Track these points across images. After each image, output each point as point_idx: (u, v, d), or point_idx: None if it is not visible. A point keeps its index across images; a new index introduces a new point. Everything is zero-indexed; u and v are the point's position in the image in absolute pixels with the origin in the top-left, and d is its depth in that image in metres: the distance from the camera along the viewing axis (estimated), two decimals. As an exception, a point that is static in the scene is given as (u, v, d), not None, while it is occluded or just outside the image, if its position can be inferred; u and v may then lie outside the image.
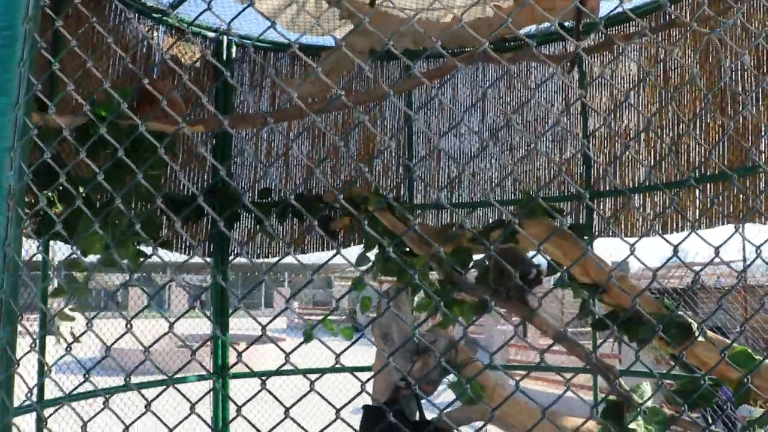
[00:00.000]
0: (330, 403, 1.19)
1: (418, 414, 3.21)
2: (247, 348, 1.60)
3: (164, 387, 1.24)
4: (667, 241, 1.77)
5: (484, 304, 4.24)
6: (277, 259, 6.06)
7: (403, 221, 4.70)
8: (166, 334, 1.52)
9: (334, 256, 1.44)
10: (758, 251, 1.70)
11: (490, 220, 5.73)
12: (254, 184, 5.71)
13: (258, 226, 5.63)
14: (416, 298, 3.93)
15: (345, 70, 5.65)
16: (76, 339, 1.85)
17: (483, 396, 2.93)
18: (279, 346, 1.32)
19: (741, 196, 4.96)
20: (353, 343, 1.40)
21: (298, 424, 1.20)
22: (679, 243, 1.74)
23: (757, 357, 3.82)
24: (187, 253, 5.52)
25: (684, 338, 3.86)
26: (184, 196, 5.36)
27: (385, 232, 4.74)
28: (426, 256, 4.16)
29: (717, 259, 1.63)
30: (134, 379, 1.57)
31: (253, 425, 1.22)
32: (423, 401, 3.15)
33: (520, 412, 3.12)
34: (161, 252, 5.37)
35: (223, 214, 4.98)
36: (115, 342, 1.55)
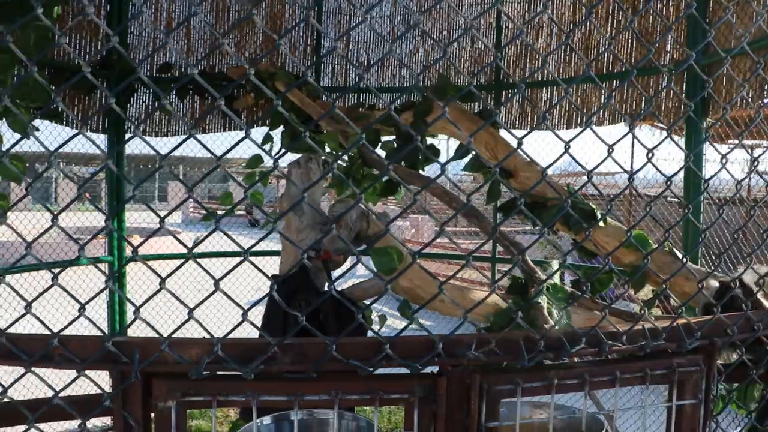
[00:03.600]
0: (237, 304, 1.09)
1: (327, 285, 3.17)
2: (145, 240, 1.40)
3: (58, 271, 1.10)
4: (560, 137, 1.65)
5: (394, 183, 4.18)
6: (177, 143, 5.79)
7: (313, 99, 4.53)
8: (51, 227, 1.33)
9: (242, 140, 1.31)
10: (649, 155, 1.67)
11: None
12: (152, 57, 5.35)
13: (156, 103, 5.31)
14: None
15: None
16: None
17: (397, 266, 2.90)
18: (178, 239, 1.20)
19: (643, 96, 5.04)
20: (263, 239, 1.27)
21: (204, 327, 1.10)
22: (572, 139, 1.65)
23: (651, 241, 3.96)
24: (77, 128, 5.17)
25: (584, 224, 3.96)
26: (74, 65, 4.97)
27: (292, 110, 4.57)
28: (336, 132, 4.04)
29: (610, 164, 1.59)
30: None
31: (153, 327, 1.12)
32: (334, 272, 3.10)
33: (429, 284, 3.12)
34: (51, 135, 5.01)
35: (116, 88, 4.66)
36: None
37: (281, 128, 4.63)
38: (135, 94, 5.28)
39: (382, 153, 4.09)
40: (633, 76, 1.47)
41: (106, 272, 5.42)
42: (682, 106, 4.90)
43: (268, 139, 4.73)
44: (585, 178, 1.57)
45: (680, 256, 3.91)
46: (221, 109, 3.99)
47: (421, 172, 4.13)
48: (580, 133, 1.74)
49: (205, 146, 1.52)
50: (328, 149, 4.10)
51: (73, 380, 1.06)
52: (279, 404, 1.13)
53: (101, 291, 1.13)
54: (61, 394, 1.05)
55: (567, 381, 1.21)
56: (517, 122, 5.55)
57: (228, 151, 1.42)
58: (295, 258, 3.06)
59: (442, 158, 4.53)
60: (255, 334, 1.27)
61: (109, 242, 5.44)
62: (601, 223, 3.99)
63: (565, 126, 5.43)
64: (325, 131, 4.33)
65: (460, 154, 4.58)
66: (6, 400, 1.07)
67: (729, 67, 4.68)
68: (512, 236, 4.42)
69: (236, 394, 1.08)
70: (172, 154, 1.35)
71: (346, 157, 4.07)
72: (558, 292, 3.38)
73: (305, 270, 3.04)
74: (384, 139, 4.31)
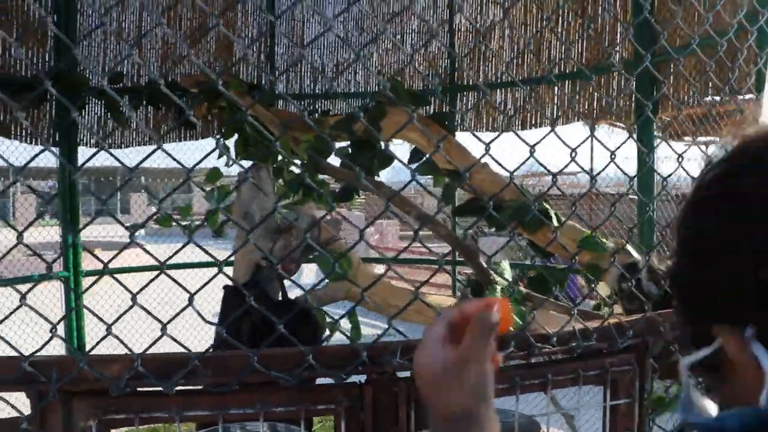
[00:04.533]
0: (203, 318, 1.07)
1: (280, 294, 3.15)
2: (117, 254, 1.34)
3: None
4: (525, 141, 1.65)
5: (348, 189, 4.18)
6: (131, 154, 5.72)
7: (265, 107, 4.52)
8: (15, 246, 1.28)
9: (212, 152, 1.30)
10: (612, 156, 1.68)
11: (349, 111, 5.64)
12: (103, 67, 5.28)
13: (109, 113, 5.24)
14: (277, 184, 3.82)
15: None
16: None
17: (349, 272, 2.90)
18: (148, 252, 1.18)
19: (596, 94, 5.10)
20: (185, 245, 1.25)
21: (178, 342, 1.08)
22: (537, 142, 1.65)
23: (604, 240, 4.01)
24: (27, 141, 5.08)
25: (540, 224, 3.99)
26: (22, 77, 4.88)
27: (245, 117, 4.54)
28: (287, 138, 4.02)
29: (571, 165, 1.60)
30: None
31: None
32: (286, 281, 3.09)
33: (383, 289, 3.13)
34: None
35: (69, 101, 4.58)
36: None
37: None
38: (87, 106, 5.20)
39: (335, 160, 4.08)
40: (591, 79, 1.49)
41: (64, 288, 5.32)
42: (633, 104, 4.97)
43: (224, 149, 4.70)
44: (547, 178, 1.58)
45: (636, 255, 3.96)
46: (187, 120, 3.93)
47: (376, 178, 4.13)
48: (545, 136, 1.75)
49: (174, 158, 1.49)
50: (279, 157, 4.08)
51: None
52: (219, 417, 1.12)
53: (70, 312, 1.11)
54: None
55: (498, 386, 1.20)
56: (472, 124, 5.58)
57: (198, 162, 1.40)
58: (247, 266, 3.04)
59: (397, 163, 4.54)
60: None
61: (65, 257, 5.34)
62: (555, 223, 4.03)
63: (520, 126, 5.47)
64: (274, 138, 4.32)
65: (414, 157, 4.60)
66: None
67: (675, 65, 4.76)
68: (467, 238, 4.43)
69: (159, 410, 1.06)
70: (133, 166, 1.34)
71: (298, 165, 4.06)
72: (513, 293, 3.40)
73: (257, 279, 3.03)
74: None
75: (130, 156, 6.37)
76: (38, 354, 1.00)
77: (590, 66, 5.02)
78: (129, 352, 1.02)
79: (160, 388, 1.04)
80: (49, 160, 5.28)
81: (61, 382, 1.02)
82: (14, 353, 1.00)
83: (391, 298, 3.15)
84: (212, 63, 5.56)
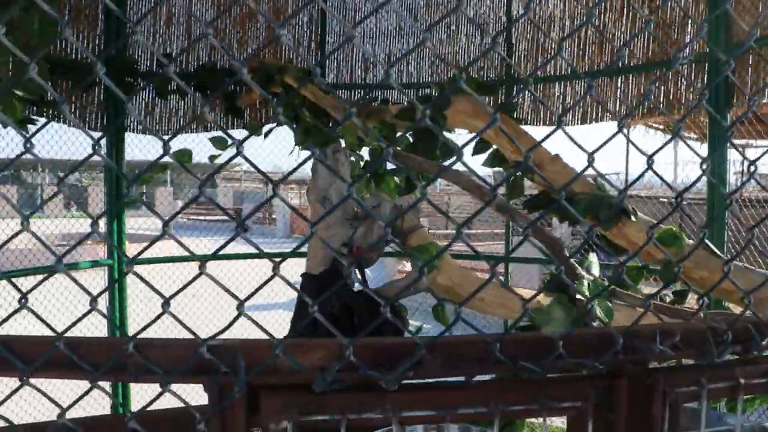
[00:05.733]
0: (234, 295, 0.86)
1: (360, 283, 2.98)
2: (149, 246, 1.15)
3: (47, 275, 0.90)
4: (583, 149, 1.43)
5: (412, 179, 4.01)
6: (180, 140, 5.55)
7: (325, 93, 4.36)
8: (89, 234, 1.09)
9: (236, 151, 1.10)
10: (650, 161, 1.47)
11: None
12: (152, 53, 5.13)
13: (156, 98, 5.10)
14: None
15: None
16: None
17: (436, 265, 2.71)
18: (183, 245, 0.99)
19: (663, 88, 4.90)
20: (299, 247, 1.06)
21: (261, 327, 0.88)
22: (595, 150, 1.44)
23: (684, 238, 3.81)
24: (75, 124, 4.94)
25: (615, 219, 3.80)
26: (72, 60, 4.74)
27: (304, 104, 4.39)
28: (354, 125, 3.86)
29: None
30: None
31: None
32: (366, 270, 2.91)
33: (469, 282, 2.94)
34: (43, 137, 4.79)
35: (119, 85, 4.43)
36: None
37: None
38: (134, 92, 5.06)
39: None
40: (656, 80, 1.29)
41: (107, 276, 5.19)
42: (699, 101, 4.75)
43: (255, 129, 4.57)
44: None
45: (715, 250, 3.76)
46: (235, 108, 3.76)
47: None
48: (614, 135, 1.54)
49: (253, 164, 1.28)
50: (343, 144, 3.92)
51: (159, 395, 0.85)
52: (380, 422, 0.92)
53: (105, 290, 0.94)
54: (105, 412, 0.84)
55: (754, 380, 1.00)
56: (529, 118, 5.39)
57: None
58: (325, 254, 2.87)
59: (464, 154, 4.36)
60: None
61: (108, 245, 5.21)
62: (632, 218, 3.84)
63: (579, 122, 5.28)
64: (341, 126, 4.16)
65: (479, 148, 4.42)
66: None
67: (753, 58, 4.54)
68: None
69: (372, 409, 0.86)
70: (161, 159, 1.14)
71: (366, 154, 3.89)
72: (599, 288, 3.21)
73: (336, 267, 2.86)
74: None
75: (176, 144, 6.22)
76: (215, 338, 0.82)
77: (656, 60, 4.82)
78: (334, 338, 0.83)
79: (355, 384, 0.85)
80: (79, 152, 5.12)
81: (252, 373, 0.82)
82: (188, 336, 0.82)
83: (470, 289, 2.97)
84: (262, 50, 5.39)
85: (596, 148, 1.21)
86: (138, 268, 0.96)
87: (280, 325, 4.06)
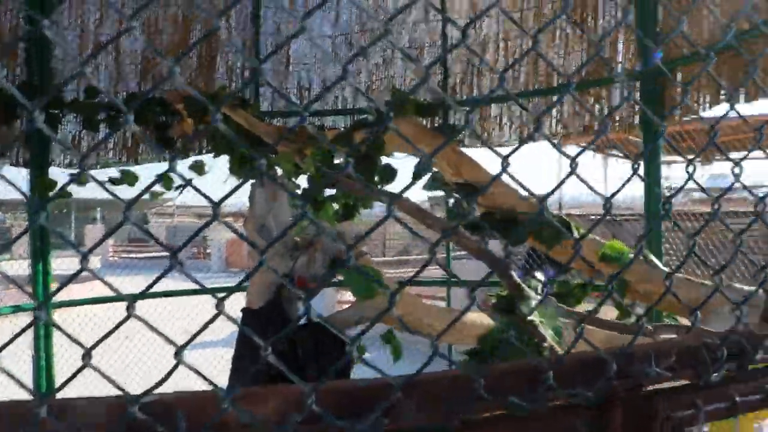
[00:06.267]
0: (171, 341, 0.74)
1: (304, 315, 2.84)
2: (69, 280, 1.02)
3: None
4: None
5: (352, 205, 3.92)
6: (105, 175, 5.34)
7: (260, 119, 4.25)
8: None
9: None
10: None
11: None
12: (78, 82, 4.92)
13: (82, 131, 4.88)
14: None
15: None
16: None
17: (376, 290, 2.61)
18: (108, 284, 0.87)
19: (597, 105, 4.96)
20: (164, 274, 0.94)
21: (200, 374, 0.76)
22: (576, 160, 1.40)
23: (629, 250, 3.81)
24: (-6, 161, 4.67)
25: (557, 239, 3.78)
26: (-9, 93, 4.49)
27: (238, 132, 4.25)
28: (291, 152, 3.74)
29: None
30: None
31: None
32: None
33: (422, 310, 2.85)
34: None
35: (41, 115, 4.21)
36: None
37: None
38: (60, 123, 4.84)
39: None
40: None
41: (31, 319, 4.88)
42: (635, 117, 4.83)
43: (200, 167, 4.42)
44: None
45: (657, 263, 3.77)
46: (166, 138, 3.59)
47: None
48: (582, 151, 1.50)
49: (203, 193, 1.18)
50: (280, 171, 3.80)
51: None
52: None
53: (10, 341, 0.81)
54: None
55: (750, 397, 0.92)
56: (467, 140, 5.38)
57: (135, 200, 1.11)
58: (264, 287, 2.73)
59: (403, 177, 4.30)
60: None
61: (33, 288, 4.92)
62: (576, 235, 3.82)
63: (517, 141, 5.29)
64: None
65: (419, 171, 4.35)
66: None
67: (681, 74, 4.62)
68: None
69: None
70: (88, 197, 1.01)
71: (304, 179, 3.78)
72: (547, 308, 3.16)
73: (277, 300, 2.72)
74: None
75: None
76: (150, 393, 0.68)
77: (591, 78, 4.87)
78: (284, 383, 0.70)
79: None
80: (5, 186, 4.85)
81: (195, 433, 0.68)
82: (116, 392, 0.67)
83: (426, 318, 2.88)
84: (194, 79, 5.25)
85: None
86: (67, 311, 0.83)
87: (219, 363, 3.88)
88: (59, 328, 0.83)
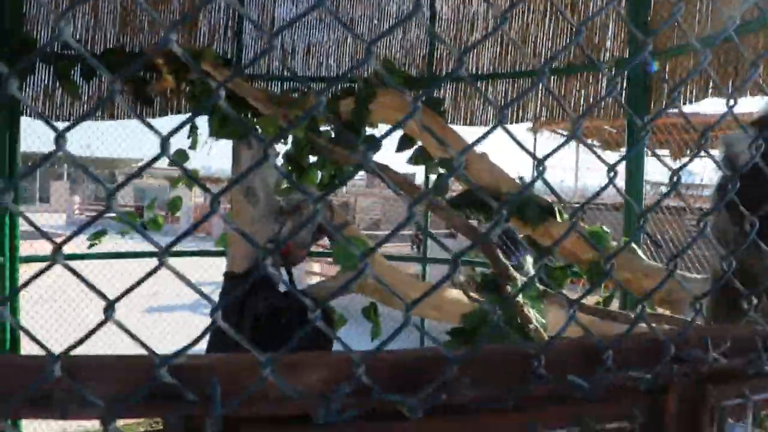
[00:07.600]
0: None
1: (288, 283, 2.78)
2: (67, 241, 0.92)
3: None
4: (533, 155, 1.35)
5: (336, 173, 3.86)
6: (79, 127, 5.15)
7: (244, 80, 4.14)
8: None
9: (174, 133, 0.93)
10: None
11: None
12: (51, 30, 4.73)
13: (58, 82, 4.71)
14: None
15: None
16: None
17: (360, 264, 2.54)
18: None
19: (583, 91, 4.94)
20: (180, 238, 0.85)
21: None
22: (546, 156, 1.36)
23: (608, 237, 3.81)
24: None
25: (542, 219, 3.76)
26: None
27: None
28: (276, 116, 3.65)
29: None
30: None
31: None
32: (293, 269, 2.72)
33: (400, 281, 2.81)
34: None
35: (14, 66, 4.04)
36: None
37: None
38: (33, 73, 4.66)
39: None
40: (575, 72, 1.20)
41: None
42: (621, 106, 4.82)
43: (193, 130, 4.31)
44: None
45: (639, 252, 3.77)
46: (145, 96, 3.46)
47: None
48: (558, 147, 1.45)
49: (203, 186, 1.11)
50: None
51: None
52: None
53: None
54: None
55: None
56: (450, 116, 5.32)
57: (171, 134, 1.02)
58: (249, 251, 2.66)
59: (387, 149, 4.24)
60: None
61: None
62: (558, 219, 3.82)
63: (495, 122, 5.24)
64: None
65: (403, 145, 4.29)
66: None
67: (670, 65, 4.61)
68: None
69: None
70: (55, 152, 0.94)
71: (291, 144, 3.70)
72: (531, 289, 3.14)
73: (262, 266, 2.63)
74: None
75: (78, 132, 5.84)
76: (179, 355, 0.60)
77: (578, 63, 4.84)
78: (346, 351, 0.63)
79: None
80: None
81: (231, 403, 0.63)
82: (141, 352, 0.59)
83: (402, 289, 2.83)
84: (177, 34, 5.09)
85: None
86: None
87: (188, 328, 3.79)
88: (79, 277, 0.76)
